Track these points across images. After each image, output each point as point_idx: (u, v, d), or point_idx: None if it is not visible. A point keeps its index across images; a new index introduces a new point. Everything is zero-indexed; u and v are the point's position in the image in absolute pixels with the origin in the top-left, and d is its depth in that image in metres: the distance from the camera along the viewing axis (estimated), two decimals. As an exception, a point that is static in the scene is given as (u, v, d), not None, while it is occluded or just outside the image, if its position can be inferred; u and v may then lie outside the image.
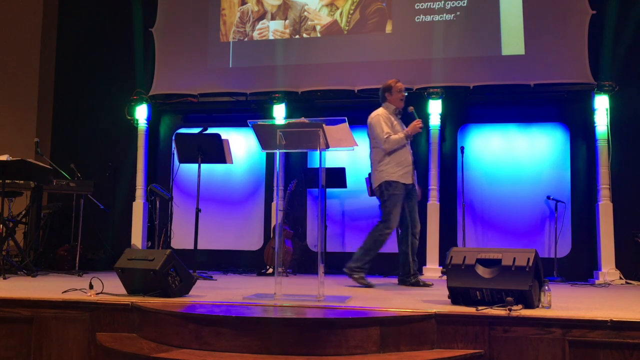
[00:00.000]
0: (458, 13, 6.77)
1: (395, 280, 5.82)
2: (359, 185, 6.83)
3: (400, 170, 4.90)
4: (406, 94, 5.10)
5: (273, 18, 7.22)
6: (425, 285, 4.94)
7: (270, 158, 7.10)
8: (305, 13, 7.13)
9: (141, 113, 7.32)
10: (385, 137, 4.92)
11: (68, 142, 7.77)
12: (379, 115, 5.05)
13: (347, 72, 6.91)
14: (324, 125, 3.58)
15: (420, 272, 6.46)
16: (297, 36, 7.15)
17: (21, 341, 3.41)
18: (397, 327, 3.00)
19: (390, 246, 6.73)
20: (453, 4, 6.79)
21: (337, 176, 6.59)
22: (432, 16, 6.83)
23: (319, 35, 7.10)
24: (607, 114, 6.36)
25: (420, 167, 6.73)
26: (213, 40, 7.33)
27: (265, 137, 3.77)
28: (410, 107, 5.10)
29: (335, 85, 6.96)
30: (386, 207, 4.89)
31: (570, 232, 6.58)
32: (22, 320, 3.42)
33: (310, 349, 2.86)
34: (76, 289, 3.72)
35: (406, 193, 4.94)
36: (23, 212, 6.20)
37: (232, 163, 6.63)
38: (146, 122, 7.34)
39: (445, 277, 3.67)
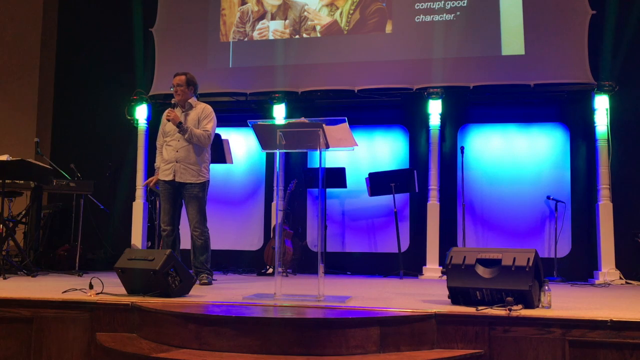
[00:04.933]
0: (458, 13, 6.77)
1: (394, 280, 5.83)
2: (359, 185, 6.84)
3: (162, 168, 4.93)
4: (172, 88, 4.93)
5: (273, 18, 7.22)
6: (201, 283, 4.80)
7: (270, 158, 7.10)
8: (305, 13, 7.13)
9: (141, 113, 7.31)
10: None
11: (68, 142, 7.77)
12: None
13: (347, 72, 6.91)
14: (324, 125, 3.58)
15: (420, 272, 6.48)
16: (297, 36, 7.15)
17: (21, 341, 3.41)
18: (397, 327, 3.00)
19: (390, 246, 6.78)
20: (453, 4, 6.79)
21: (337, 176, 6.59)
22: (432, 16, 6.83)
23: (319, 35, 7.10)
24: (607, 114, 6.36)
25: (421, 167, 6.76)
26: (213, 40, 7.33)
27: (265, 137, 3.77)
28: (174, 99, 4.92)
29: (335, 85, 6.95)
30: None
31: (570, 232, 6.58)
32: (22, 320, 3.42)
33: (310, 349, 2.86)
34: (76, 289, 3.72)
35: (175, 190, 4.89)
36: (23, 212, 6.20)
37: (232, 163, 6.66)
38: (146, 122, 7.33)
39: (445, 277, 3.67)
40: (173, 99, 4.94)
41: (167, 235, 4.91)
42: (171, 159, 4.87)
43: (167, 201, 4.92)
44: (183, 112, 4.93)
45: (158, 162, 5.03)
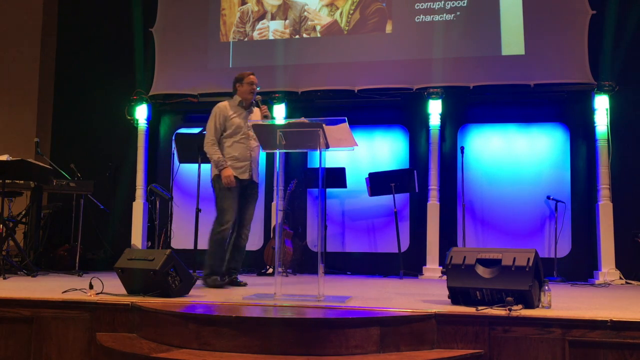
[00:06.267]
0: (458, 13, 6.77)
1: (394, 280, 5.83)
2: (359, 185, 6.84)
3: (235, 165, 4.70)
4: (258, 88, 4.83)
5: (273, 18, 7.22)
6: (239, 284, 4.77)
7: (270, 158, 7.10)
8: (305, 13, 7.13)
9: (141, 113, 7.32)
10: (209, 141, 4.76)
11: (68, 142, 7.77)
12: (216, 109, 4.85)
13: (347, 72, 6.91)
14: (324, 125, 3.58)
15: (420, 272, 6.48)
16: (297, 36, 7.15)
17: (21, 341, 3.41)
18: (397, 327, 3.00)
19: (390, 246, 6.78)
20: (453, 4, 6.79)
21: (337, 176, 6.59)
22: (432, 16, 6.83)
23: (319, 35, 7.10)
24: (607, 114, 6.36)
25: (421, 167, 6.76)
26: (213, 40, 7.33)
27: (265, 137, 3.77)
28: (258, 96, 4.79)
29: (335, 85, 6.95)
30: (216, 202, 4.74)
31: (570, 232, 6.58)
32: (22, 320, 3.42)
33: (310, 349, 2.86)
34: (76, 289, 3.72)
35: (241, 189, 4.74)
36: (23, 212, 6.20)
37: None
38: (146, 122, 7.34)
39: (445, 277, 3.67)
40: (256, 97, 4.75)
41: (230, 233, 4.69)
42: (247, 158, 4.73)
43: (238, 199, 4.70)
44: (247, 111, 4.81)
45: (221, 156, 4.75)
